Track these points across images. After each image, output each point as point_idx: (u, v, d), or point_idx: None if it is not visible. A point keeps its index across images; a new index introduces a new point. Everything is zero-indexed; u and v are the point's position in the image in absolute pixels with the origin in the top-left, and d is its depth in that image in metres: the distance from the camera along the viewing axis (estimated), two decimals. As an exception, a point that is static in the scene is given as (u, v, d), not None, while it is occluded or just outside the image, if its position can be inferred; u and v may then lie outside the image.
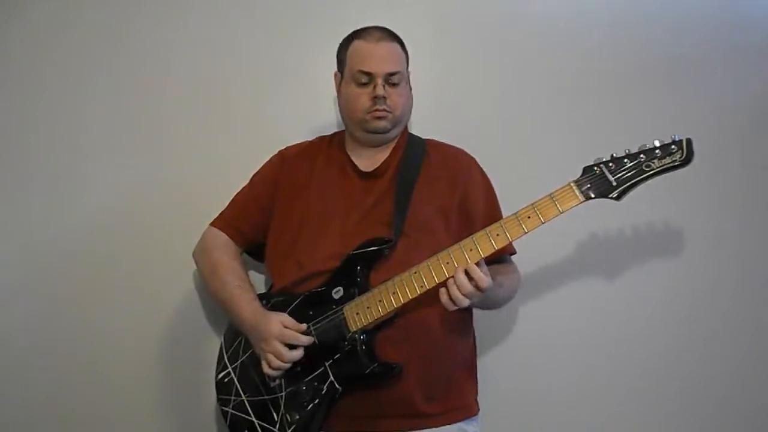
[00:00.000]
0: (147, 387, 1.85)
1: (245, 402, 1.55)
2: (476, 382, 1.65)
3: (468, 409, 1.58)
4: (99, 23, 1.90)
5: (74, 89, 1.88)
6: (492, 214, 1.62)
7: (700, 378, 1.91)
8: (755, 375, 1.92)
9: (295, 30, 1.92)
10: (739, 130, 1.84)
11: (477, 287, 1.37)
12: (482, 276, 1.37)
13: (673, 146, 1.32)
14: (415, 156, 1.65)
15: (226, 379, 1.60)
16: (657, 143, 1.33)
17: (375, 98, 1.57)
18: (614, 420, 1.90)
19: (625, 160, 1.34)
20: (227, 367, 1.61)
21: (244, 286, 1.60)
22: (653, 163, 1.32)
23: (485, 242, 1.39)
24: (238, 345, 1.60)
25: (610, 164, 1.35)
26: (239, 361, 1.59)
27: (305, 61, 1.91)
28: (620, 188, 1.33)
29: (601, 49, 1.94)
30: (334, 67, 1.66)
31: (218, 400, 1.60)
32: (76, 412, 1.82)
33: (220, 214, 1.71)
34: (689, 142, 1.31)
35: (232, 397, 1.57)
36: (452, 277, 1.38)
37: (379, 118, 1.59)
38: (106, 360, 1.84)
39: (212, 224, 1.70)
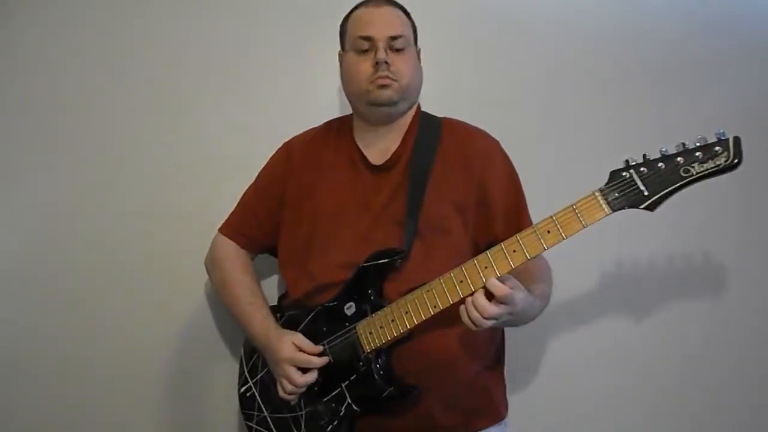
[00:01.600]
0: (160, 396, 1.83)
1: (268, 418, 1.51)
2: (504, 385, 1.55)
3: (494, 414, 1.49)
4: (100, 23, 1.83)
5: (77, 87, 1.83)
6: (512, 210, 1.48)
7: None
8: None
9: (296, 19, 1.82)
10: (739, 130, 1.68)
11: (500, 302, 1.24)
12: (504, 290, 1.22)
13: (717, 147, 1.10)
14: (429, 142, 1.50)
15: (248, 394, 1.56)
16: (698, 142, 1.12)
17: (377, 64, 1.42)
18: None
19: (660, 164, 1.14)
20: (248, 382, 1.57)
21: (255, 302, 1.54)
22: (693, 167, 1.12)
23: (501, 260, 1.25)
24: (257, 359, 1.56)
25: (642, 168, 1.15)
26: (259, 375, 1.54)
27: (305, 52, 1.81)
28: (653, 198, 1.14)
29: (603, 48, 1.86)
30: (335, 60, 1.52)
31: (242, 413, 1.57)
32: (85, 418, 1.82)
33: (228, 218, 1.64)
34: (737, 141, 1.10)
35: (255, 413, 1.53)
36: (470, 296, 1.26)
37: (384, 86, 1.44)
38: (112, 364, 1.82)
39: (221, 230, 1.63)
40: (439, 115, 1.57)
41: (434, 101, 1.61)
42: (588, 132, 1.84)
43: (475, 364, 1.44)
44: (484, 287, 1.24)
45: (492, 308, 1.23)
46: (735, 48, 1.86)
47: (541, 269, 1.49)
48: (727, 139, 1.10)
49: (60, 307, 1.81)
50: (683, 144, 1.14)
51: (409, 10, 1.52)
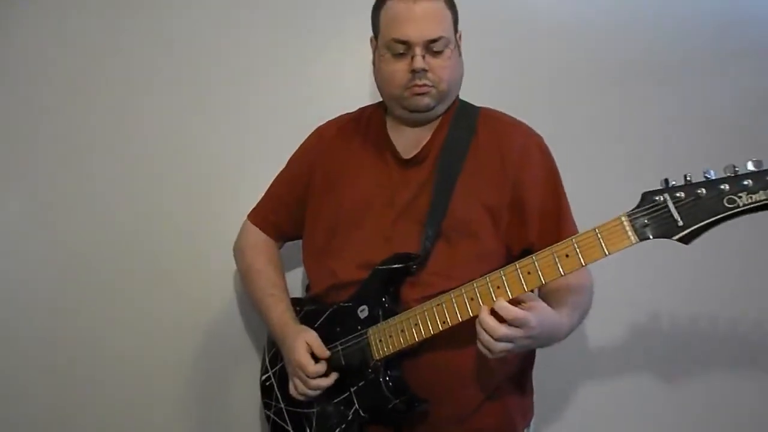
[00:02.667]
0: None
1: (284, 410, 1.49)
2: (526, 396, 1.44)
3: (509, 427, 1.39)
4: (100, 24, 1.83)
5: (83, 87, 1.83)
6: (551, 215, 1.34)
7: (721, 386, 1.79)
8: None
9: (298, 19, 1.77)
10: (739, 130, 1.69)
11: (512, 325, 1.12)
12: (514, 312, 1.11)
13: (771, 175, 0.91)
14: (463, 135, 1.38)
15: (267, 383, 1.54)
16: (750, 167, 0.93)
17: (414, 72, 1.30)
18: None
19: (700, 190, 0.96)
20: (268, 371, 1.55)
21: (276, 294, 1.50)
22: (740, 197, 0.93)
23: (514, 281, 1.13)
24: (277, 350, 1.52)
25: (679, 193, 0.98)
26: (279, 365, 1.52)
27: (309, 49, 1.77)
28: (688, 230, 0.97)
29: (600, 48, 1.83)
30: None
31: (262, 402, 1.57)
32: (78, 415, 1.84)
33: (256, 205, 1.60)
34: (796, 170, 0.90)
35: (273, 402, 1.52)
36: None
37: (420, 95, 1.33)
38: (106, 362, 1.83)
39: (249, 217, 1.60)
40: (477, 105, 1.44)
41: None
42: (594, 134, 1.79)
43: (491, 381, 1.34)
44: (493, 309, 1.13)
45: (502, 329, 1.12)
46: (743, 48, 1.81)
47: (578, 277, 1.31)
48: (784, 166, 0.91)
49: (84, 294, 1.83)
50: (733, 166, 0.95)
51: None
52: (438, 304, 1.23)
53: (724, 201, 0.94)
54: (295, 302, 1.52)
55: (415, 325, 1.25)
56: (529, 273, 1.11)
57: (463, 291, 1.20)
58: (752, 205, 0.93)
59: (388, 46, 1.33)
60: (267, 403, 1.55)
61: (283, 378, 1.50)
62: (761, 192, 0.91)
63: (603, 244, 1.03)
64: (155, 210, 1.81)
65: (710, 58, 1.83)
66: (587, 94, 1.82)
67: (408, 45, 1.31)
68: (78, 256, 1.82)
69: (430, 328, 1.24)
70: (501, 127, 1.40)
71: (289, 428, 1.49)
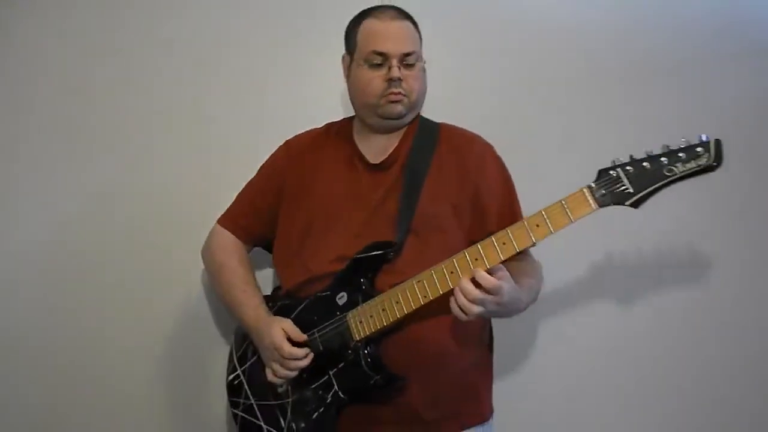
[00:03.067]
0: (151, 388, 1.85)
1: (254, 406, 1.53)
2: (490, 386, 1.57)
3: (478, 415, 1.51)
4: (100, 24, 1.86)
5: (72, 85, 1.85)
6: (507, 211, 1.52)
7: (712, 383, 1.87)
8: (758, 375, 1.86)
9: (297, 19, 1.85)
10: (739, 130, 1.74)
11: (488, 292, 1.28)
12: (492, 281, 1.26)
13: (699, 148, 1.17)
14: (427, 144, 1.55)
15: (236, 382, 1.58)
16: (682, 144, 1.19)
17: (390, 80, 1.47)
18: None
19: (645, 163, 1.20)
20: (237, 369, 1.59)
21: (248, 290, 1.57)
22: (676, 167, 1.18)
23: (491, 251, 1.29)
24: (247, 347, 1.58)
25: (628, 167, 1.21)
26: (248, 363, 1.57)
27: (307, 50, 1.84)
28: (638, 195, 1.20)
29: (602, 49, 1.88)
30: (338, 55, 1.57)
31: (229, 402, 1.59)
32: (75, 414, 1.83)
33: (227, 210, 1.68)
34: (718, 143, 1.16)
35: (242, 400, 1.55)
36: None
37: (395, 102, 1.49)
38: (105, 362, 1.84)
39: (219, 222, 1.67)
40: (441, 119, 1.62)
41: (445, 101, 1.66)
42: (594, 134, 1.86)
43: (463, 361, 1.47)
44: (472, 277, 1.28)
45: (477, 293, 1.27)
46: (743, 48, 1.88)
47: (532, 266, 1.54)
48: (709, 142, 1.17)
49: (53, 300, 1.83)
50: (667, 146, 1.20)
51: (415, 12, 1.55)
52: (418, 281, 1.35)
53: (664, 171, 1.19)
54: (268, 299, 1.59)
55: (396, 302, 1.36)
56: (504, 243, 1.29)
57: (442, 266, 1.33)
58: (686, 172, 1.18)
59: (366, 58, 1.49)
60: (235, 402, 1.58)
61: (253, 374, 1.55)
62: (692, 162, 1.17)
63: (569, 212, 1.24)
64: (155, 210, 1.84)
65: (710, 58, 1.87)
66: (587, 94, 1.88)
67: (385, 57, 1.47)
68: (68, 254, 1.82)
69: (411, 302, 1.35)
70: (459, 138, 1.59)
71: (261, 423, 1.52)
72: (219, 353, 1.78)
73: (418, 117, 1.60)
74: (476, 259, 1.31)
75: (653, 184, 1.19)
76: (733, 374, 1.86)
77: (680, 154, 1.18)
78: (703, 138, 1.18)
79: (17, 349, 1.81)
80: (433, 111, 1.62)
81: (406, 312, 1.36)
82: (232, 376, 1.60)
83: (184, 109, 1.87)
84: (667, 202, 1.70)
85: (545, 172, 1.76)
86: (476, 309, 1.28)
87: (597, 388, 1.86)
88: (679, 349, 1.87)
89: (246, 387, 1.56)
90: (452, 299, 1.30)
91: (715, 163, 1.17)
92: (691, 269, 1.86)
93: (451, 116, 1.63)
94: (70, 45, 1.86)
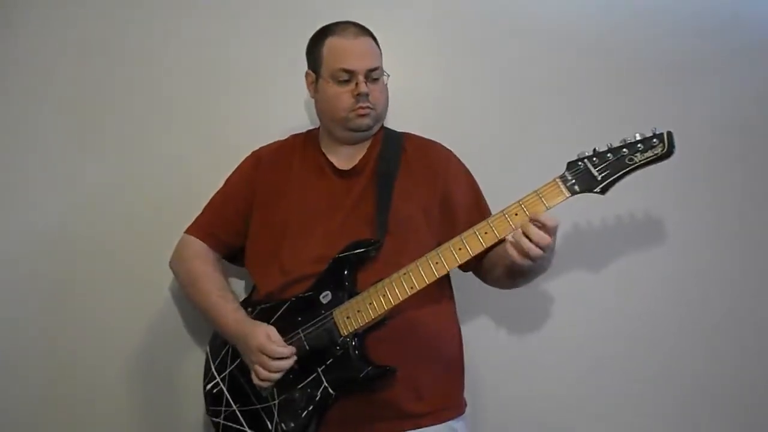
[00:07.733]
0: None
1: (237, 412, 1.53)
2: (463, 380, 1.64)
3: (457, 408, 1.59)
4: (98, 24, 1.87)
5: (83, 86, 1.86)
6: (474, 209, 1.62)
7: (699, 377, 1.90)
8: (757, 373, 1.90)
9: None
10: (739, 129, 1.82)
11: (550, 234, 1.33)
12: (557, 220, 1.32)
13: (654, 139, 1.33)
14: (393, 151, 1.63)
15: (215, 390, 1.57)
16: (638, 136, 1.35)
17: (358, 95, 1.55)
18: (605, 421, 1.89)
19: (608, 155, 1.35)
20: (215, 378, 1.58)
21: (225, 295, 1.58)
22: (636, 156, 1.34)
23: (474, 241, 1.39)
24: (226, 354, 1.58)
25: (594, 159, 1.36)
26: (228, 371, 1.56)
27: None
28: (604, 183, 1.35)
29: (599, 47, 1.93)
30: (304, 66, 1.63)
31: (208, 411, 1.58)
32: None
33: (195, 219, 1.68)
34: (670, 135, 1.33)
35: (223, 408, 1.55)
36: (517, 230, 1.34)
37: (363, 115, 1.57)
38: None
39: (187, 231, 1.67)
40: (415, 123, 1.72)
41: (438, 100, 1.75)
42: (594, 134, 1.70)
43: (444, 357, 1.55)
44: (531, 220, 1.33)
45: (547, 238, 1.32)
46: (743, 48, 1.92)
47: None
48: (662, 134, 1.34)
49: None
50: (625, 139, 1.37)
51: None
52: (404, 273, 1.42)
53: (626, 160, 1.35)
54: (244, 304, 1.59)
55: (383, 295, 1.43)
56: (486, 233, 1.39)
57: (427, 257, 1.42)
58: (644, 161, 1.34)
59: (333, 75, 1.56)
60: (215, 410, 1.57)
61: (234, 380, 1.55)
62: (649, 151, 1.34)
63: (544, 201, 1.36)
64: (155, 210, 1.82)
65: (710, 58, 1.89)
66: (587, 94, 1.90)
67: (352, 73, 1.55)
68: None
69: (398, 294, 1.42)
70: (423, 145, 1.68)
71: (245, 428, 1.52)
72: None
73: (382, 127, 1.69)
74: (460, 249, 1.40)
75: (618, 172, 1.35)
76: (733, 374, 1.89)
77: (639, 145, 1.34)
78: (657, 130, 1.34)
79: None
80: (427, 112, 1.73)
81: (393, 303, 1.42)
82: (210, 385, 1.59)
83: (184, 109, 1.88)
84: (664, 202, 1.80)
85: (536, 169, 1.68)
86: (539, 252, 1.32)
87: (587, 388, 1.89)
88: (675, 350, 1.90)
89: (227, 394, 1.55)
90: (511, 247, 1.34)
91: (667, 152, 1.34)
92: (688, 268, 1.90)
93: (442, 115, 1.74)
94: (71, 45, 1.84)
